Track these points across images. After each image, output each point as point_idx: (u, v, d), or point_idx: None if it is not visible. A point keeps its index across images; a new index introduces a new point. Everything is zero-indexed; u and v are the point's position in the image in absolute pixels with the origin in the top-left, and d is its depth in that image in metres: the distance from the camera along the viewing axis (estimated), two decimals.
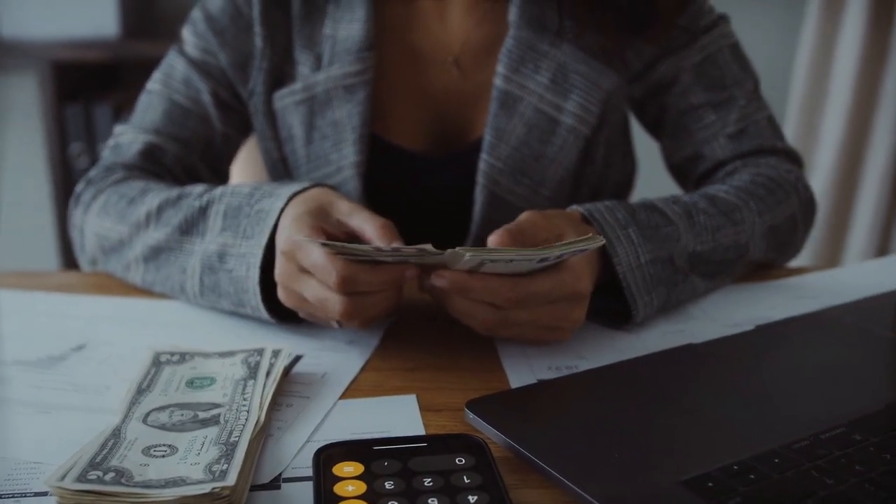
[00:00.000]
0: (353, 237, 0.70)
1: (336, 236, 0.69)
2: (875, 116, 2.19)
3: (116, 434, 0.54)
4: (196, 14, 0.97)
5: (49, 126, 2.08)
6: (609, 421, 0.57)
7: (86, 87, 2.15)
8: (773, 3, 2.22)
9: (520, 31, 0.90)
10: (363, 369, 0.68)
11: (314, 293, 0.66)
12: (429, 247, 0.61)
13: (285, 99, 0.94)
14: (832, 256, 2.30)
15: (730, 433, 0.55)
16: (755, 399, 0.60)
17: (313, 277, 0.66)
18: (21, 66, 2.14)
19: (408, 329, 0.76)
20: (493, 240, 0.65)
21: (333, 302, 0.65)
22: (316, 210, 0.70)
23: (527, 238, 0.66)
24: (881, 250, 2.23)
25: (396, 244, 0.66)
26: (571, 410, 0.59)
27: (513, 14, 0.91)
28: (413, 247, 0.61)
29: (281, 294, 0.70)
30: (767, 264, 0.91)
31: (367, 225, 0.68)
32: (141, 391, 0.61)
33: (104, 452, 0.52)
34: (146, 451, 0.53)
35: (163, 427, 0.56)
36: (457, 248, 0.60)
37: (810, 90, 2.22)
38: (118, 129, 0.97)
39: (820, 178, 2.22)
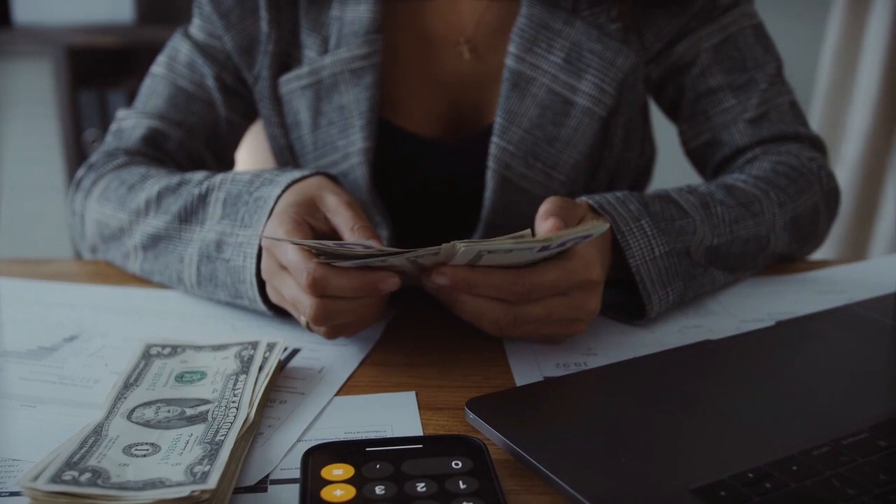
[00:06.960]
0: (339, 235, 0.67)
1: (323, 232, 0.66)
2: None
3: (98, 431, 0.52)
4: None
5: (63, 112, 2.06)
6: (618, 422, 0.53)
7: (101, 72, 2.14)
8: None
9: (532, 9, 0.87)
10: (362, 364, 0.65)
11: (290, 292, 0.63)
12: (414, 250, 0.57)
13: (291, 83, 0.91)
14: (858, 251, 2.25)
15: (746, 437, 0.51)
16: (773, 400, 0.57)
17: (290, 275, 0.63)
18: (36, 51, 2.12)
19: (411, 321, 0.73)
20: (544, 227, 0.61)
21: (305, 304, 0.61)
22: (304, 202, 0.67)
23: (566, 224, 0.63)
24: None
25: (372, 244, 0.61)
26: (578, 411, 0.56)
27: None
28: (394, 249, 0.57)
29: (268, 288, 0.68)
30: (789, 256, 0.87)
31: (345, 225, 0.65)
32: (128, 385, 0.58)
33: (83, 451, 0.49)
34: (127, 449, 0.50)
35: (147, 424, 0.53)
36: (452, 242, 0.57)
37: (836, 81, 2.17)
38: (121, 113, 0.95)
39: (846, 170, 2.17)
